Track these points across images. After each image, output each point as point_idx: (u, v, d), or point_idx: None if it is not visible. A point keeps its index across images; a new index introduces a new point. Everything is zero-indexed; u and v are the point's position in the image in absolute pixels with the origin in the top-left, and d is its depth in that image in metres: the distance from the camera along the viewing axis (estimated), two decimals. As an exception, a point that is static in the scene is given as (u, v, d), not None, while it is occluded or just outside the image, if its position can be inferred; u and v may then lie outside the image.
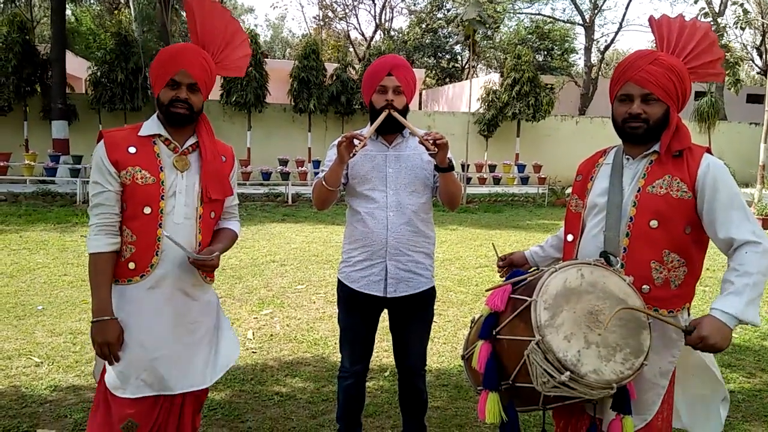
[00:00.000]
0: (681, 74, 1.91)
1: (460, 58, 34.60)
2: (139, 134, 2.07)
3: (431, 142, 2.27)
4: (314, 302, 5.44)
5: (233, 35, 2.20)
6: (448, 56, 34.49)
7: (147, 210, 2.02)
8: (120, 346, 2.03)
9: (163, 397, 2.12)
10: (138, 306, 2.05)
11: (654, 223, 1.90)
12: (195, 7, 2.10)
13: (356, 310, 2.59)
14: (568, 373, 1.66)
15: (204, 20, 2.13)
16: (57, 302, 5.16)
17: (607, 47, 29.09)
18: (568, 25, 30.73)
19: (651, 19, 2.06)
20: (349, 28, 34.62)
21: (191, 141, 2.13)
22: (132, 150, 2.03)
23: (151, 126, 2.09)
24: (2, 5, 18.09)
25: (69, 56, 16.36)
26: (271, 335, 4.52)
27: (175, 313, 2.10)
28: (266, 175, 14.73)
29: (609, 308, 1.76)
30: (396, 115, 2.40)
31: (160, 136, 2.08)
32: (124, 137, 2.06)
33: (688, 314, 2.00)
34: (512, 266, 2.38)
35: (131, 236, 2.03)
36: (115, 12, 26.29)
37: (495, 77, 19.94)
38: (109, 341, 2.00)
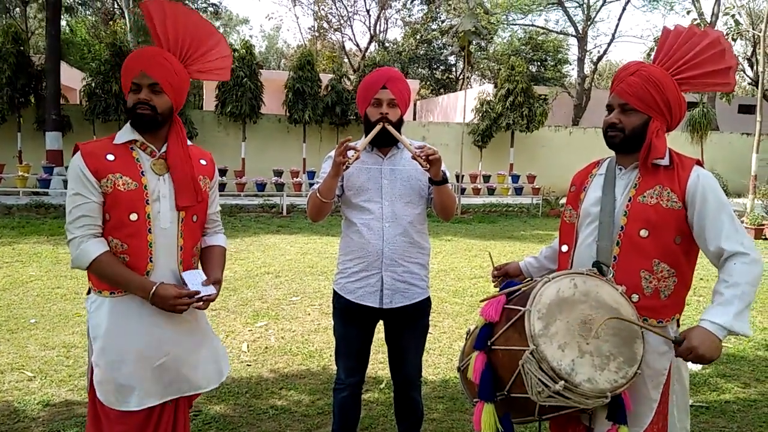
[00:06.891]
0: (661, 84, 1.93)
1: (454, 69, 34.81)
2: (114, 142, 2.05)
3: (423, 158, 2.29)
4: (309, 314, 5.43)
5: (207, 36, 2.17)
6: (442, 67, 34.70)
7: (133, 216, 1.99)
8: (178, 293, 1.99)
9: (159, 407, 2.07)
10: (133, 315, 2.02)
11: (644, 233, 1.92)
12: (153, 11, 2.07)
13: (352, 322, 2.58)
14: (562, 382, 1.67)
15: (165, 23, 2.09)
16: (50, 315, 5.12)
17: (599, 58, 29.33)
18: (562, 36, 31.01)
19: (664, 29, 2.08)
20: (344, 39, 34.83)
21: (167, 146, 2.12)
22: (110, 157, 2.01)
23: (126, 133, 2.08)
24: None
25: (63, 67, 16.35)
26: (266, 348, 4.50)
27: (171, 315, 2.06)
28: (261, 186, 14.72)
29: (602, 318, 1.77)
30: (390, 129, 2.41)
31: (136, 141, 2.07)
32: (100, 146, 2.04)
33: (678, 325, 2.01)
34: (507, 276, 2.39)
35: (121, 245, 2.00)
36: (110, 23, 26.39)
37: (489, 88, 20.04)
38: (171, 302, 1.96)
